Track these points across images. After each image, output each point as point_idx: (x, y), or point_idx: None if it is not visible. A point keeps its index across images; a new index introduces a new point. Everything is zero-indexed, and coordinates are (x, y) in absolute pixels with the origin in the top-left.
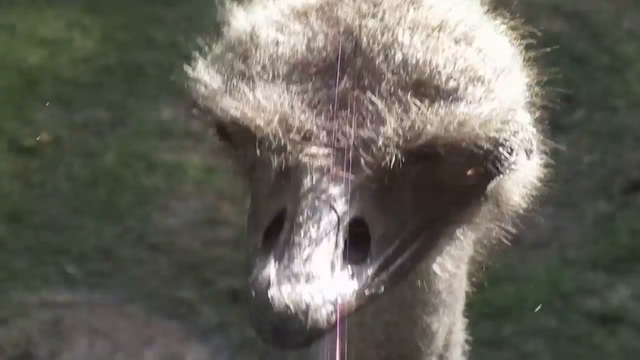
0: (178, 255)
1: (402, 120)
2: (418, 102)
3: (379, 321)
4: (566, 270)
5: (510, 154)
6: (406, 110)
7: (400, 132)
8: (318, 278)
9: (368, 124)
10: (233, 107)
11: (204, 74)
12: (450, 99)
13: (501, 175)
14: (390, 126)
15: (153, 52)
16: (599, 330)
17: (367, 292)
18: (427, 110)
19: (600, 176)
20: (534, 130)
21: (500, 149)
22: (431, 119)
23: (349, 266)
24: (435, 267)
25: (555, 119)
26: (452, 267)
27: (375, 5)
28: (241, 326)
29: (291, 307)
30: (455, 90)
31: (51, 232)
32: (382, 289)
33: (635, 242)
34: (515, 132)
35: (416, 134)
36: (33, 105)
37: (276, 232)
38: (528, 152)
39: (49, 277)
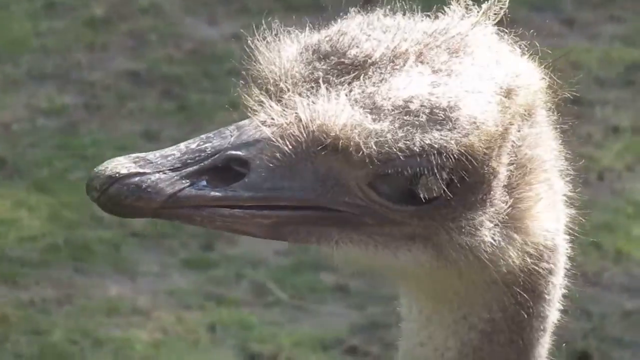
0: None
1: (314, 107)
2: (332, 98)
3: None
4: None
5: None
6: (321, 101)
7: (306, 116)
8: (151, 167)
9: (304, 102)
10: (259, 50)
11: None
12: (364, 106)
13: (427, 210)
14: (306, 107)
15: (99, 230)
16: None
17: (196, 211)
18: (331, 104)
19: None
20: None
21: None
22: (320, 113)
23: (193, 180)
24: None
25: None
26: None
27: (427, 37)
28: None
29: (108, 171)
30: (370, 106)
31: None
32: (220, 222)
33: None
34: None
35: (312, 120)
36: None
37: None
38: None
39: None
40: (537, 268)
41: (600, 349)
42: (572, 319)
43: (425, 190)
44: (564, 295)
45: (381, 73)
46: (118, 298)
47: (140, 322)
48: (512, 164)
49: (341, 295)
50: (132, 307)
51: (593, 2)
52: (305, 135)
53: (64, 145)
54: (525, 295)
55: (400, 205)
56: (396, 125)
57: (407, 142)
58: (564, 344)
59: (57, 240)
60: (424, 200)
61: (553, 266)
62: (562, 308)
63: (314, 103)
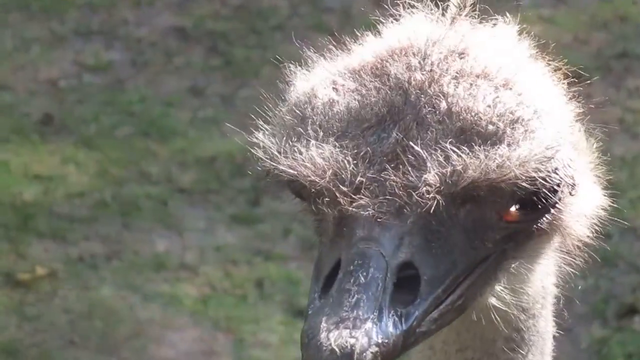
0: None
1: (443, 166)
2: (458, 149)
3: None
4: None
5: (553, 192)
6: (448, 157)
7: (442, 178)
8: (364, 321)
9: (412, 172)
10: (288, 166)
11: (264, 139)
12: (490, 142)
13: (551, 211)
14: (431, 173)
15: (147, 186)
16: None
17: (417, 331)
18: (467, 155)
19: (594, 301)
20: (584, 162)
21: (540, 187)
22: (471, 164)
23: (397, 309)
24: (512, 305)
25: None
26: (531, 303)
27: (423, 59)
28: None
29: (337, 351)
30: (495, 133)
31: None
32: (434, 326)
33: None
34: (555, 169)
35: (456, 178)
36: (28, 240)
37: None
38: (569, 188)
39: None
40: None
41: None
42: (621, 274)
43: (547, 192)
44: (615, 251)
45: (450, 103)
46: (166, 254)
47: (188, 278)
48: None
49: None
50: (179, 262)
51: None
52: (446, 198)
53: (110, 102)
54: None
55: (536, 213)
56: (538, 142)
57: (550, 156)
58: (612, 298)
59: (105, 196)
60: (556, 202)
61: None
62: (612, 263)
63: (444, 163)
